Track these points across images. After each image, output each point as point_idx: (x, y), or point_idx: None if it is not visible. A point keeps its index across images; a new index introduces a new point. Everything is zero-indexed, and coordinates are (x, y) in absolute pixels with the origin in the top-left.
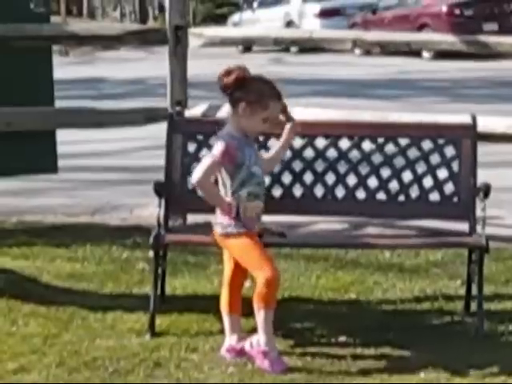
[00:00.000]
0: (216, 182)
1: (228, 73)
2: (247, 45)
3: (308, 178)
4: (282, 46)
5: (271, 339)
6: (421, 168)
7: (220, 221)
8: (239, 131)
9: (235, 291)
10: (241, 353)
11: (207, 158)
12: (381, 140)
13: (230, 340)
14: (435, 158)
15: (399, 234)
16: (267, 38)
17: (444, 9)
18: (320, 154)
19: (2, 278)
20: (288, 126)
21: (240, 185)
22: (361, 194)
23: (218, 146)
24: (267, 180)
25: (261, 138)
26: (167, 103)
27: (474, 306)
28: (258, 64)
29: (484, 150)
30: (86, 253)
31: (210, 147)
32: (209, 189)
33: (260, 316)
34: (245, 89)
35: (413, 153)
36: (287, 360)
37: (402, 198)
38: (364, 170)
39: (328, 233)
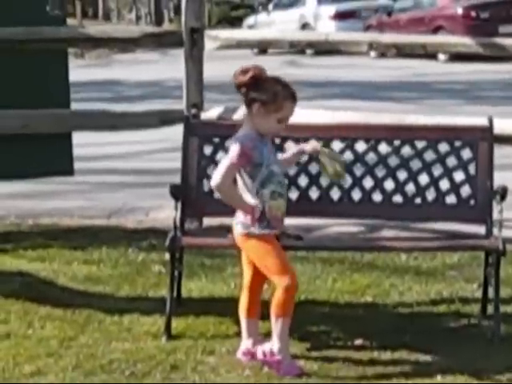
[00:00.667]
0: (234, 182)
1: (244, 71)
2: (263, 47)
3: (324, 180)
4: (298, 48)
5: (285, 347)
6: (437, 170)
7: (242, 220)
8: (254, 131)
9: (254, 295)
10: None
11: (224, 162)
12: (397, 142)
13: (247, 343)
14: (452, 161)
15: (415, 237)
16: (283, 40)
17: (460, 11)
18: None
19: (18, 281)
20: (314, 146)
21: (261, 184)
22: (377, 197)
23: (234, 148)
24: None
25: (277, 141)
26: (183, 105)
27: (490, 309)
28: (273, 66)
29: (501, 153)
30: (101, 255)
31: (226, 150)
32: (229, 192)
33: (277, 324)
34: (260, 88)
35: (429, 155)
36: (302, 364)
37: (418, 200)
38: (380, 172)
39: (344, 235)
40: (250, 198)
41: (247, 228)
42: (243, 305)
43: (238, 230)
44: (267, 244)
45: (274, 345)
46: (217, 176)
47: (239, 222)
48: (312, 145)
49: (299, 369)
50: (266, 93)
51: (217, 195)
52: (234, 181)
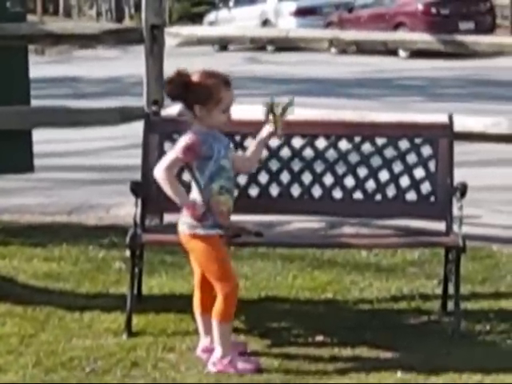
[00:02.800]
0: (178, 176)
1: (170, 82)
2: (223, 44)
3: (285, 177)
4: (259, 44)
5: (227, 350)
6: (397, 167)
7: (187, 220)
8: (205, 127)
9: (206, 292)
10: None
11: (170, 154)
12: (357, 139)
13: (205, 341)
14: (412, 158)
15: (376, 234)
16: (244, 37)
17: (420, 7)
18: (297, 154)
19: None
20: (268, 129)
21: (210, 179)
22: (337, 194)
23: (181, 142)
24: (244, 179)
25: (237, 138)
26: (143, 102)
27: (450, 306)
28: (233, 63)
29: (460, 150)
30: (62, 252)
31: None
32: (170, 183)
33: (217, 328)
34: (192, 91)
35: (389, 152)
36: (256, 360)
37: (378, 197)
38: (341, 169)
39: (305, 232)
40: (196, 194)
41: (193, 228)
42: (197, 302)
43: (183, 230)
44: (211, 247)
45: (216, 352)
46: (160, 167)
47: (185, 222)
48: (265, 130)
49: (255, 364)
50: (200, 93)
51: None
52: (178, 175)
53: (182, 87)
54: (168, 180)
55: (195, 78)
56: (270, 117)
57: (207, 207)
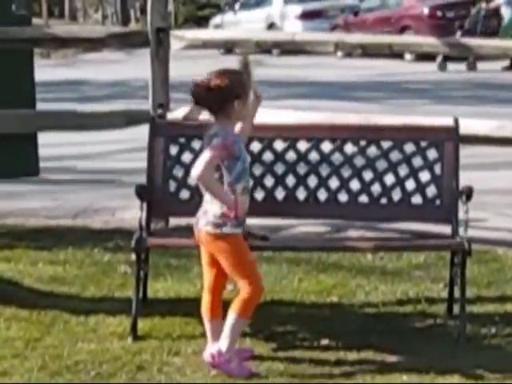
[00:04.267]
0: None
1: (221, 74)
2: (229, 47)
3: (290, 180)
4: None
5: (232, 347)
6: (403, 171)
7: (213, 219)
8: (232, 129)
9: (217, 296)
10: None
11: (206, 153)
12: (363, 143)
13: (213, 345)
14: (417, 161)
15: (381, 237)
16: (249, 40)
17: (426, 11)
18: (302, 157)
19: None
20: (254, 99)
21: (236, 179)
22: (343, 197)
23: (217, 141)
24: (250, 183)
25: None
26: (149, 106)
27: (456, 309)
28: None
29: (466, 153)
30: (67, 256)
31: (192, 150)
32: (211, 183)
33: (233, 322)
34: (229, 90)
35: (395, 155)
36: (250, 367)
37: (384, 200)
38: (346, 172)
39: (310, 236)
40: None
41: (219, 227)
42: (206, 306)
43: (207, 230)
44: (238, 246)
45: (222, 344)
46: (198, 167)
47: (209, 222)
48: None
49: (248, 370)
50: (237, 88)
51: (182, 195)
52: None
53: (221, 88)
54: (209, 180)
55: (222, 77)
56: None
57: (234, 205)
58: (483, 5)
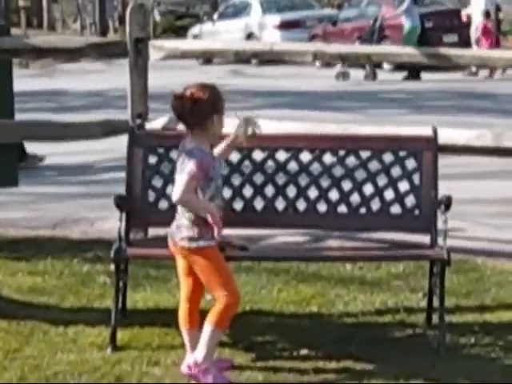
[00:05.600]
0: None
1: (179, 97)
2: (207, 57)
3: (269, 190)
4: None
5: (209, 357)
6: (382, 180)
7: (187, 234)
8: (207, 145)
9: (194, 306)
10: None
11: (183, 176)
12: (342, 153)
13: (191, 355)
14: (396, 171)
15: (360, 247)
16: (228, 50)
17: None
18: (281, 167)
19: None
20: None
21: (210, 199)
22: (322, 207)
23: (194, 162)
24: (228, 193)
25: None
26: (128, 116)
27: (435, 319)
28: (217, 76)
29: (445, 162)
30: (46, 266)
31: (170, 160)
32: (194, 202)
33: (209, 333)
34: (208, 103)
35: (374, 165)
36: (232, 375)
37: (363, 210)
38: (325, 182)
39: (289, 246)
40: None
41: (195, 241)
42: (184, 316)
43: (183, 245)
44: (214, 258)
45: (198, 354)
46: (177, 191)
47: (183, 237)
48: (233, 135)
49: (227, 380)
50: (215, 102)
51: (161, 205)
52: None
53: (195, 102)
54: (189, 200)
55: (203, 91)
56: (241, 129)
57: (205, 222)
58: (381, 15)
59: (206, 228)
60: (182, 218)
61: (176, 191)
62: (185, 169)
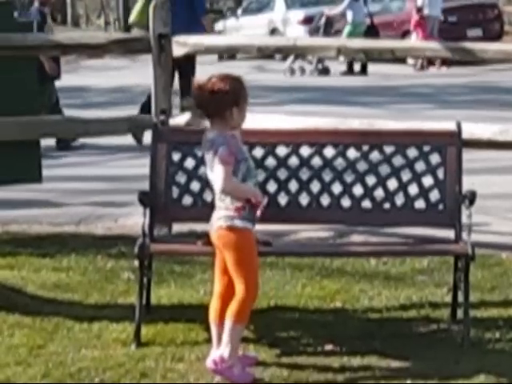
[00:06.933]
0: None
1: (222, 79)
2: (231, 53)
3: (293, 186)
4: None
5: (234, 353)
6: (406, 175)
7: (224, 213)
8: (229, 131)
9: (227, 302)
10: None
11: (219, 166)
12: (366, 148)
13: (217, 351)
14: (420, 166)
15: (385, 242)
16: (251, 46)
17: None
18: (305, 163)
19: None
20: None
21: (243, 179)
22: (346, 202)
23: (222, 150)
24: None
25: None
26: (152, 112)
27: (460, 314)
28: (241, 72)
29: (469, 157)
30: (70, 263)
31: (194, 156)
32: (238, 187)
33: (232, 330)
34: (229, 95)
35: (398, 160)
36: (256, 371)
37: (387, 205)
38: (349, 177)
39: (313, 241)
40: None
41: (230, 220)
42: (215, 311)
43: (219, 225)
44: (246, 243)
45: (224, 350)
46: (219, 182)
47: (221, 216)
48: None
49: (252, 376)
50: (236, 94)
51: (185, 201)
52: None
53: (222, 92)
54: (233, 188)
55: (225, 82)
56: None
57: (243, 207)
58: (326, 11)
59: (245, 211)
60: (220, 200)
61: (218, 183)
62: (216, 160)
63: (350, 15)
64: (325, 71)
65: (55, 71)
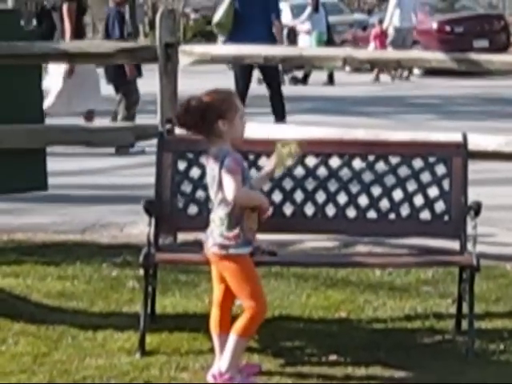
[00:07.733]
0: None
1: (185, 109)
2: (237, 62)
3: (298, 196)
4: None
5: (235, 365)
6: (411, 186)
7: (218, 241)
8: (231, 148)
9: (225, 311)
10: None
11: (228, 177)
12: (371, 158)
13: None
14: (426, 176)
15: (390, 253)
16: (258, 55)
17: (434, 26)
18: (310, 173)
19: None
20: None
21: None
22: (351, 213)
23: (228, 160)
24: None
25: (251, 157)
26: (157, 121)
27: (464, 325)
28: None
29: (474, 168)
30: (75, 271)
31: (200, 166)
32: (248, 195)
33: (235, 342)
34: (211, 109)
35: (403, 171)
36: (261, 381)
37: (392, 216)
38: (354, 188)
39: (318, 251)
40: (222, 212)
41: (224, 249)
42: (214, 321)
43: (214, 251)
44: (243, 267)
45: (222, 363)
46: (230, 191)
47: (215, 243)
48: (269, 167)
49: None
50: (219, 107)
51: (191, 211)
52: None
53: (200, 109)
54: (244, 196)
55: (207, 97)
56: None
57: (240, 225)
58: (289, 23)
59: (241, 234)
60: (215, 225)
61: (229, 192)
62: (223, 172)
63: (311, 25)
64: (294, 80)
65: (134, 73)
